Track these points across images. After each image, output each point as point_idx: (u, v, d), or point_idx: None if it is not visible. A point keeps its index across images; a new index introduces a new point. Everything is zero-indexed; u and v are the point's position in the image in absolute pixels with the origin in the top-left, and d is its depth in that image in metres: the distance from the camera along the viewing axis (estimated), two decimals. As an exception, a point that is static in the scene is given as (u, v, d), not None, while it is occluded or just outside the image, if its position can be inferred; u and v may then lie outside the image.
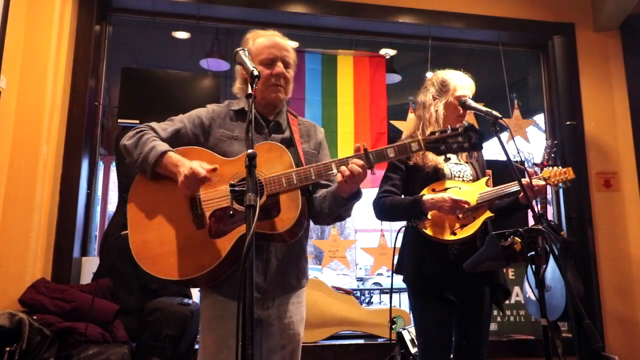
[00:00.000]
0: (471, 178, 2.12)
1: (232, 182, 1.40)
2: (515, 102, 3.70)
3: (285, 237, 1.47)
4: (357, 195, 1.52)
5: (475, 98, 2.17)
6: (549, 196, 3.38)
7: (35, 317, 2.21)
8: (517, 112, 3.66)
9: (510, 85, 3.70)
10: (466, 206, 1.97)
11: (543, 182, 2.10)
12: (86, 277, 2.87)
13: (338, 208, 1.54)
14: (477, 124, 3.58)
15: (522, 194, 2.06)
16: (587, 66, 3.61)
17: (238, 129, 1.64)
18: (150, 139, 1.53)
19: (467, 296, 2.04)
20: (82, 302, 2.38)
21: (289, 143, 1.62)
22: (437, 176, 2.07)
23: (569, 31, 3.62)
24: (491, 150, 5.25)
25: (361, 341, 3.08)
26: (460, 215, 2.00)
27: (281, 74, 1.64)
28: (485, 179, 2.12)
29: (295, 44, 3.60)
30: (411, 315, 2.14)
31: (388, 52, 3.87)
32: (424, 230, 2.02)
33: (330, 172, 1.48)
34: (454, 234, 1.99)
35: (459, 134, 1.51)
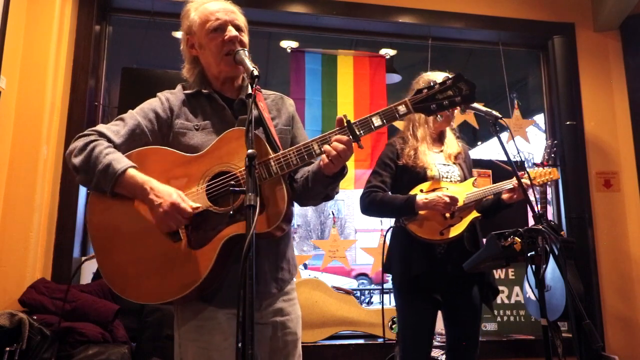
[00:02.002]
0: (459, 179, 2.15)
1: (232, 184, 1.28)
2: (515, 102, 3.70)
3: (274, 234, 1.32)
4: (343, 170, 1.36)
5: (475, 98, 2.17)
6: (549, 196, 3.38)
7: (35, 317, 2.21)
8: (517, 112, 3.66)
9: (510, 85, 3.70)
10: (457, 205, 2.01)
11: (529, 182, 2.13)
12: (86, 277, 2.87)
13: (324, 188, 1.39)
14: (477, 124, 3.59)
15: (505, 194, 2.11)
16: (587, 66, 3.61)
17: (197, 117, 1.45)
18: (104, 153, 1.31)
19: (454, 295, 2.07)
20: (82, 302, 2.38)
21: (258, 122, 1.39)
22: (425, 177, 2.09)
23: (569, 31, 3.62)
24: (491, 150, 5.25)
25: (361, 341, 3.08)
26: (448, 215, 2.03)
27: (235, 39, 1.42)
28: (472, 179, 2.15)
29: (295, 44, 3.60)
30: (396, 312, 2.15)
31: (388, 52, 3.87)
32: (412, 230, 2.04)
33: (313, 153, 1.31)
34: (442, 234, 2.02)
35: (448, 87, 1.35)
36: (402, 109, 1.34)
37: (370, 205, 2.11)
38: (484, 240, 2.15)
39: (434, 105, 1.34)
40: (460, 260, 2.02)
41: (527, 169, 2.19)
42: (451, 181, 2.12)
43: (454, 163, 2.18)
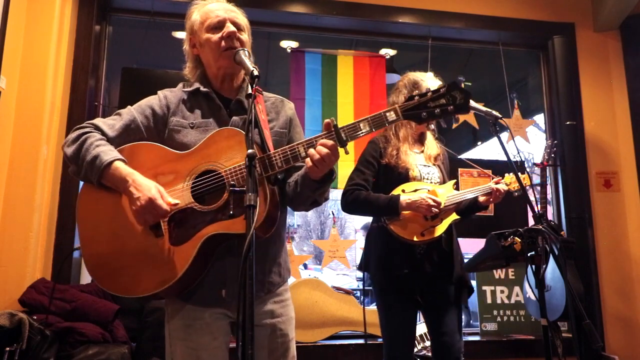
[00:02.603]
0: (438, 180, 2.18)
1: (231, 184, 1.27)
2: (515, 102, 3.70)
3: (257, 233, 1.30)
4: (330, 176, 1.35)
5: (475, 98, 2.18)
6: (549, 196, 3.38)
7: (35, 317, 2.21)
8: (517, 112, 3.66)
9: (510, 85, 3.70)
10: (440, 207, 2.03)
11: (506, 187, 2.17)
12: (86, 277, 2.87)
13: (311, 193, 1.38)
14: (477, 124, 3.59)
15: (482, 197, 2.14)
16: (587, 66, 3.61)
17: (193, 115, 1.46)
18: (94, 144, 1.34)
19: (434, 296, 2.08)
20: (82, 302, 2.38)
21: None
22: (407, 177, 2.10)
23: (569, 31, 3.62)
24: (491, 150, 5.25)
25: (361, 341, 3.07)
26: (428, 217, 2.04)
27: (232, 34, 1.44)
28: (452, 182, 2.18)
29: (295, 44, 3.60)
30: (377, 312, 2.15)
31: (388, 52, 3.87)
32: (393, 230, 2.04)
33: (299, 156, 1.31)
34: (423, 235, 2.04)
35: (441, 95, 1.29)
36: (391, 115, 1.31)
37: (353, 203, 2.09)
38: (459, 240, 2.19)
39: (425, 114, 1.30)
40: (438, 261, 2.07)
41: (506, 174, 2.23)
42: (431, 182, 2.15)
43: (434, 164, 2.20)
